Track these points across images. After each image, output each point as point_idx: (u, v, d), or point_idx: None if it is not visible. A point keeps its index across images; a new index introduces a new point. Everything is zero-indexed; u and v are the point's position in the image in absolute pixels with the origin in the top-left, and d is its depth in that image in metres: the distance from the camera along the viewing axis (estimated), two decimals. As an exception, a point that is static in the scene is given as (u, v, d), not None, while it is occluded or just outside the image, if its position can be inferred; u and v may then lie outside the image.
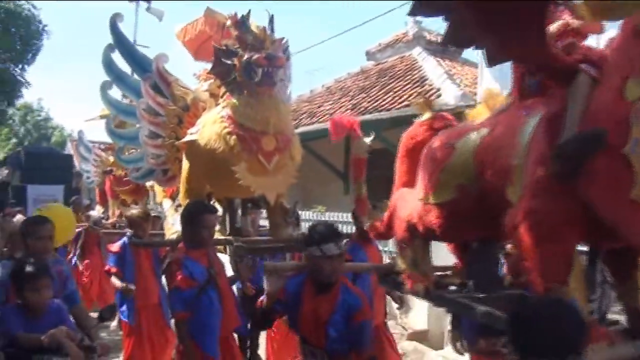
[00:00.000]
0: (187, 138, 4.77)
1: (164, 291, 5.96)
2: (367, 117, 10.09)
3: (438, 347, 8.05)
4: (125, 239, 6.00)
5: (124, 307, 5.86)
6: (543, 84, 2.76)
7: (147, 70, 5.13)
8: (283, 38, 4.46)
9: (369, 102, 11.44)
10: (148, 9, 22.25)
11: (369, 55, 15.25)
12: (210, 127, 4.55)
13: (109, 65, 5.23)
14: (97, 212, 11.12)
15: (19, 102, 26.96)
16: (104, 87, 5.36)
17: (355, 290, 3.72)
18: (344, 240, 3.65)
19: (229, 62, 4.34)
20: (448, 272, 3.80)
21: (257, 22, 4.50)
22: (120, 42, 5.17)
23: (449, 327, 7.84)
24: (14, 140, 38.54)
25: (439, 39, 14.07)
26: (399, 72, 12.64)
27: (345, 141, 12.74)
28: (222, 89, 4.67)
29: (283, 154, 4.48)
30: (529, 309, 2.03)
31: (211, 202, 5.19)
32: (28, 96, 39.03)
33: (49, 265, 3.88)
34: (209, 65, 5.86)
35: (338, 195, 11.74)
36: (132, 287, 5.69)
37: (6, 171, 27.16)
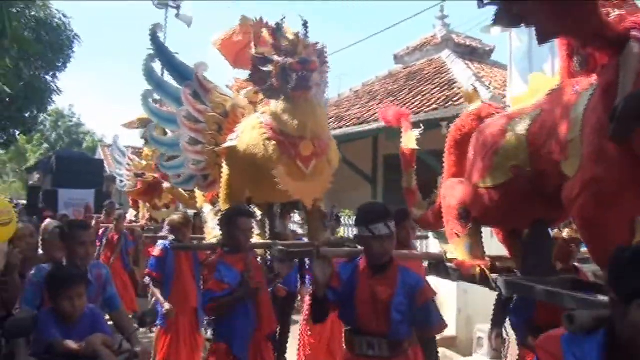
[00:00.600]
0: (227, 144, 4.84)
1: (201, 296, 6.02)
2: (396, 120, 10.03)
3: (467, 353, 7.98)
4: (166, 242, 6.10)
5: (159, 310, 5.91)
6: (591, 59, 2.77)
7: (187, 79, 5.20)
8: (317, 42, 4.47)
9: (397, 105, 11.38)
10: (177, 16, 22.50)
11: (397, 58, 15.21)
12: (249, 133, 4.61)
13: (150, 75, 5.30)
14: (129, 215, 11.38)
15: (51, 108, 27.33)
16: (146, 96, 5.43)
17: (413, 270, 3.62)
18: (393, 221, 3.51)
19: (265, 69, 4.38)
20: (503, 256, 3.76)
21: (291, 27, 4.55)
22: (161, 52, 5.26)
23: (478, 334, 7.82)
24: (45, 145, 39.16)
25: (467, 42, 14.03)
26: (427, 75, 12.58)
27: (373, 144, 12.76)
28: (260, 96, 4.75)
29: (320, 158, 4.50)
30: (630, 251, 1.95)
31: (251, 207, 5.24)
32: (59, 102, 39.66)
33: (85, 272, 3.90)
34: (242, 75, 5.94)
35: (366, 199, 11.71)
36: (171, 310, 5.79)
37: (37, 176, 27.60)
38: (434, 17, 14.59)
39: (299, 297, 7.63)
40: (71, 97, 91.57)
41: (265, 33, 4.68)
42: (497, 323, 4.76)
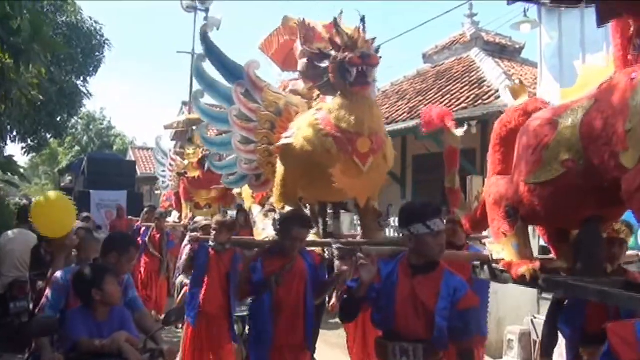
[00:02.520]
0: (283, 142, 4.79)
1: (233, 303, 6.05)
2: (425, 120, 9.95)
3: (497, 355, 7.91)
4: (205, 243, 6.15)
5: (191, 308, 5.99)
6: None
7: (237, 77, 5.17)
8: (374, 38, 4.44)
9: (426, 105, 11.31)
10: (206, 19, 22.61)
11: (426, 57, 15.15)
12: (305, 130, 4.56)
13: (200, 75, 5.27)
14: (173, 217, 11.49)
15: (82, 112, 27.66)
16: (196, 96, 5.46)
17: (457, 273, 3.52)
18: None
19: (322, 65, 4.37)
20: (550, 257, 3.68)
21: (344, 23, 4.55)
22: (211, 51, 5.19)
23: (509, 336, 7.73)
24: (77, 148, 39.65)
25: (497, 39, 13.90)
26: (456, 74, 12.50)
27: (402, 144, 12.69)
28: (316, 92, 4.73)
29: (377, 155, 4.44)
30: None
31: (304, 208, 5.23)
32: (90, 106, 40.18)
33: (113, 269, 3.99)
34: (289, 76, 5.93)
35: (395, 200, 11.65)
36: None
37: (69, 178, 28.00)
38: (463, 16, 14.54)
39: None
40: (102, 101, 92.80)
41: (321, 28, 4.65)
42: (548, 349, 4.51)
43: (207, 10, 23.03)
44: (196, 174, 10.21)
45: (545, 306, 7.76)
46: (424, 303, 3.28)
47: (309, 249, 4.64)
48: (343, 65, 4.20)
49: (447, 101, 10.97)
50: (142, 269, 10.42)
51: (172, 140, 13.65)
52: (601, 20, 2.31)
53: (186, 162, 10.72)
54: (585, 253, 3.22)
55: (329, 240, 4.82)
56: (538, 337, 7.37)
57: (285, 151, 4.80)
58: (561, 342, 4.50)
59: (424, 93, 12.41)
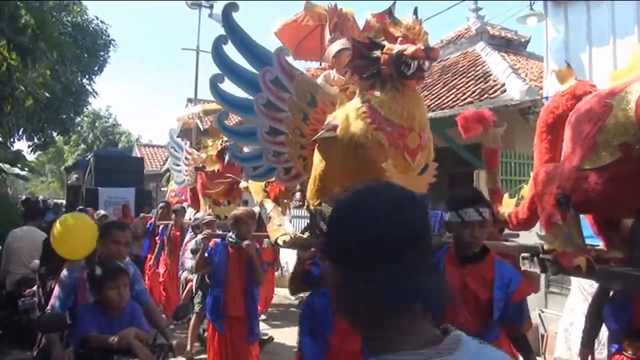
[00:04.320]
0: (325, 134, 4.47)
1: (254, 303, 5.91)
2: (430, 115, 9.92)
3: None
4: (218, 240, 6.00)
5: (215, 314, 5.85)
6: None
7: (265, 63, 4.79)
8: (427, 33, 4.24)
9: (431, 99, 11.29)
10: (210, 15, 22.63)
11: (431, 52, 15.08)
12: (353, 123, 4.24)
13: (221, 58, 4.82)
14: (188, 214, 10.83)
15: (88, 110, 27.77)
16: (215, 81, 4.90)
17: (508, 262, 3.37)
18: (488, 208, 3.29)
19: (372, 55, 4.15)
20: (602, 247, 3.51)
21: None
22: (235, 33, 4.78)
23: (556, 329, 7.67)
24: (82, 146, 39.80)
25: (502, 33, 13.86)
26: (462, 69, 12.46)
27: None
28: (361, 84, 4.36)
29: (424, 151, 4.24)
30: None
31: None
32: (96, 104, 40.27)
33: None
34: (312, 64, 5.69)
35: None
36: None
37: (75, 176, 28.04)
38: (468, 10, 14.47)
39: None
40: (108, 99, 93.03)
41: (370, 18, 4.48)
42: (589, 339, 4.25)
43: (211, 7, 23.03)
44: (215, 167, 9.49)
45: (553, 300, 7.77)
46: (475, 293, 3.16)
47: None
48: (401, 57, 3.95)
49: (452, 95, 10.93)
50: (162, 270, 10.01)
51: (177, 136, 13.28)
52: None
53: (204, 155, 10.13)
54: None
55: None
56: (546, 331, 7.36)
57: (327, 144, 4.50)
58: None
59: (430, 88, 12.37)
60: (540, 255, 3.49)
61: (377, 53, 4.11)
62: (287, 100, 4.82)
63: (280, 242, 5.03)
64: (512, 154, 9.16)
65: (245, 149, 5.67)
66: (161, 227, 10.46)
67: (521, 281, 3.22)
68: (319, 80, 5.16)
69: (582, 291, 6.58)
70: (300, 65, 6.37)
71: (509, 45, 13.41)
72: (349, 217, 1.30)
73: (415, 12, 4.18)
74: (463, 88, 11.09)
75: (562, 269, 3.29)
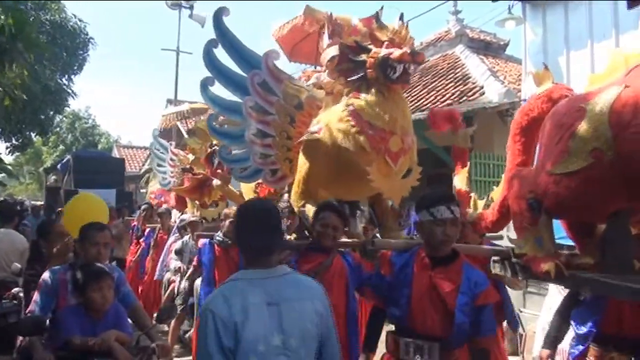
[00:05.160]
0: (309, 137, 4.53)
1: None
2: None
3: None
4: (206, 240, 6.01)
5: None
6: None
7: (254, 67, 4.87)
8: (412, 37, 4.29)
9: (411, 101, 11.35)
10: (190, 16, 22.54)
11: (411, 54, 15.16)
12: (335, 126, 4.30)
13: (211, 61, 4.91)
14: (173, 216, 10.43)
15: (67, 110, 27.53)
16: (205, 84, 5.01)
17: (477, 267, 3.33)
18: (459, 207, 3.28)
19: (358, 58, 4.19)
20: (574, 252, 3.45)
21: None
22: (225, 37, 4.86)
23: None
24: (61, 147, 39.44)
25: (481, 36, 13.98)
26: (441, 71, 12.54)
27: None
28: (347, 87, 4.44)
29: (407, 155, 4.27)
30: None
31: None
32: (75, 104, 39.97)
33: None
34: (304, 67, 5.66)
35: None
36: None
37: (53, 177, 27.75)
38: (448, 12, 14.60)
39: None
40: (86, 99, 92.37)
41: (357, 22, 4.50)
42: (553, 340, 4.22)
43: (191, 7, 22.93)
44: (203, 170, 9.32)
45: (531, 300, 7.84)
46: (443, 297, 3.12)
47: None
48: (387, 61, 4.01)
49: (432, 97, 11.01)
50: (146, 276, 9.75)
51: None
52: (632, 3, 2.20)
53: (190, 156, 9.94)
54: (613, 248, 3.05)
55: (364, 240, 4.70)
56: (524, 331, 7.41)
57: (311, 147, 4.56)
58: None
59: (409, 90, 12.41)
60: (512, 260, 3.46)
61: (364, 57, 4.15)
62: (274, 104, 4.88)
63: None
64: (491, 156, 9.24)
65: (235, 151, 5.69)
66: (147, 230, 10.26)
67: (487, 286, 3.20)
68: (312, 81, 5.21)
69: (560, 291, 6.63)
70: (296, 67, 6.39)
71: (488, 48, 13.53)
72: (239, 217, 2.73)
73: (402, 17, 4.23)
74: (442, 90, 11.17)
75: (532, 273, 3.26)
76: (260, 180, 5.55)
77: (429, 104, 10.55)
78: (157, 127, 13.79)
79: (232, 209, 6.02)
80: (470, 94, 10.25)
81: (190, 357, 6.66)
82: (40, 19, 15.49)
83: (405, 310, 3.18)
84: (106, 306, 3.74)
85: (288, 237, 4.99)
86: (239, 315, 2.22)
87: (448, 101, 10.30)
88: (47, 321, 3.73)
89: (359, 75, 4.20)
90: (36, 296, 3.97)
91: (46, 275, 4.04)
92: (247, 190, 6.16)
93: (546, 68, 3.67)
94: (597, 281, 2.88)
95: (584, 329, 3.83)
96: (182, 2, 23.16)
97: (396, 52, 3.98)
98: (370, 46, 4.16)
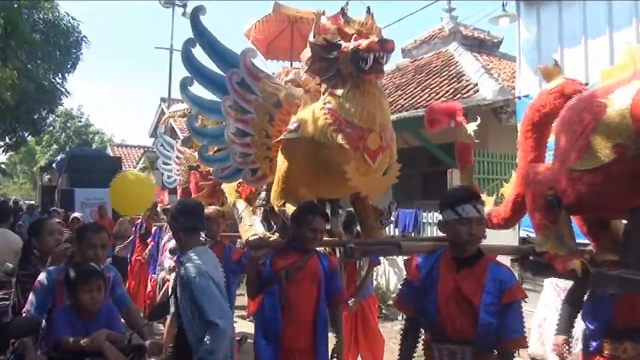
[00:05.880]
0: (287, 136, 4.50)
1: (229, 301, 5.84)
2: (404, 115, 9.99)
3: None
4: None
5: None
6: None
7: (233, 66, 4.80)
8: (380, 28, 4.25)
9: (405, 99, 11.37)
10: (184, 14, 22.51)
11: (405, 52, 15.20)
12: (313, 125, 4.27)
13: (190, 61, 4.86)
14: None
15: (60, 110, 27.45)
16: (185, 84, 4.93)
17: (504, 266, 3.19)
18: (484, 206, 3.16)
19: (330, 56, 4.17)
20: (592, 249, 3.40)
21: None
22: (202, 36, 4.81)
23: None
24: (55, 146, 39.33)
25: (476, 34, 13.99)
26: (435, 69, 12.56)
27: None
28: (323, 86, 4.41)
29: (386, 152, 4.19)
30: None
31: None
32: (69, 104, 39.83)
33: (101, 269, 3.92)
34: (281, 65, 5.62)
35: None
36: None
37: (47, 177, 27.64)
38: (442, 10, 14.59)
39: None
40: (80, 98, 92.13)
41: (325, 20, 4.50)
42: (566, 328, 4.15)
43: (185, 6, 22.90)
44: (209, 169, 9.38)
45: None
46: (469, 299, 3.01)
47: (323, 251, 4.51)
48: (358, 53, 3.97)
49: (426, 95, 11.02)
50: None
51: (151, 137, 12.92)
52: None
53: (197, 154, 9.91)
54: (635, 244, 2.98)
55: (344, 240, 4.67)
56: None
57: (289, 146, 4.54)
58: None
59: (404, 88, 12.44)
60: (532, 258, 3.42)
61: (335, 53, 4.13)
62: (253, 102, 4.83)
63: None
64: (485, 154, 9.25)
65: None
66: (155, 229, 10.22)
67: (513, 284, 3.06)
68: (291, 77, 5.18)
69: (555, 287, 6.66)
70: (274, 65, 6.38)
71: (482, 45, 13.54)
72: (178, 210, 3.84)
73: (369, 10, 4.20)
74: (437, 88, 11.19)
75: (556, 272, 3.22)
76: (240, 181, 5.52)
77: (424, 102, 10.56)
78: (154, 123, 13.66)
79: (212, 208, 6.11)
80: (464, 91, 10.26)
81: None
82: (33, 18, 15.46)
83: (434, 316, 3.10)
84: (95, 307, 3.71)
85: (273, 236, 4.97)
86: (209, 267, 3.58)
87: (442, 99, 10.30)
88: (43, 322, 3.73)
89: (332, 73, 4.19)
90: (32, 297, 3.92)
91: (42, 276, 4.01)
92: (230, 190, 6.11)
93: (556, 63, 3.61)
94: (624, 279, 2.83)
95: (596, 324, 3.73)
96: (176, 1, 23.15)
97: (364, 43, 3.95)
98: (340, 42, 4.14)
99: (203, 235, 5.78)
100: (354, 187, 4.21)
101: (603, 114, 2.79)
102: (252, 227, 5.23)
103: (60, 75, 17.56)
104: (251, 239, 4.93)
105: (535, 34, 8.56)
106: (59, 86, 17.50)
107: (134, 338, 3.89)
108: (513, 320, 2.99)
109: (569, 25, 8.01)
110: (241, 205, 5.71)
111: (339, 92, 4.16)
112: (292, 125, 4.52)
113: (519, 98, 8.58)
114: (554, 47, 8.21)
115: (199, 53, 4.83)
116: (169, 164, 11.11)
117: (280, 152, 4.72)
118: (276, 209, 4.80)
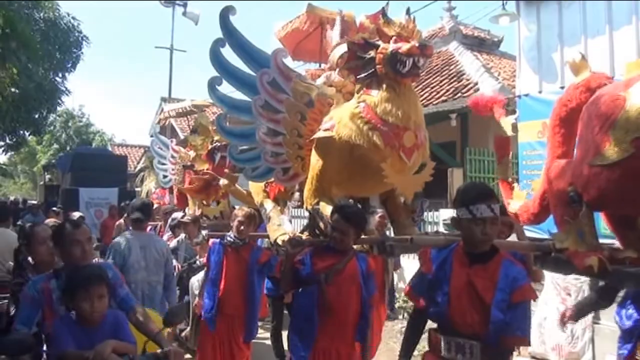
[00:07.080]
0: (322, 134, 4.52)
1: (254, 303, 5.73)
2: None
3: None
4: (217, 240, 5.89)
5: (209, 311, 5.71)
6: None
7: (263, 66, 4.85)
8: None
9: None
10: (184, 14, 22.49)
11: (405, 51, 15.17)
12: (348, 123, 4.27)
13: (219, 60, 4.87)
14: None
15: (60, 109, 27.40)
16: (213, 83, 4.95)
17: (517, 263, 3.15)
18: (498, 204, 3.12)
19: (366, 55, 4.19)
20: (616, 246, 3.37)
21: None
22: (232, 36, 4.81)
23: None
24: (55, 146, 39.28)
25: (475, 33, 14.00)
26: (435, 68, 12.56)
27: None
28: (357, 85, 4.42)
29: (420, 150, 4.23)
30: None
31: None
32: (69, 103, 39.78)
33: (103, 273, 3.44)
34: (310, 66, 5.62)
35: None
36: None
37: (48, 176, 27.51)
38: (442, 9, 14.60)
39: None
40: (80, 98, 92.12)
41: (363, 18, 4.48)
42: (580, 312, 4.16)
43: (185, 5, 22.88)
44: (205, 167, 9.10)
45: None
46: (480, 294, 2.99)
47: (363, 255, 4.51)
48: (396, 56, 4.00)
49: (426, 94, 11.04)
50: None
51: (151, 136, 12.81)
52: None
53: (192, 153, 9.75)
54: None
55: (382, 237, 4.68)
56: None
57: (324, 144, 4.54)
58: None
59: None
60: (552, 254, 3.39)
61: (372, 53, 4.15)
62: (284, 102, 4.87)
63: (279, 241, 5.03)
64: (485, 152, 9.24)
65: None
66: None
67: (524, 282, 3.02)
68: (320, 80, 5.19)
69: (555, 286, 6.67)
70: (299, 66, 6.40)
71: (482, 44, 13.56)
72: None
73: (408, 11, 4.24)
74: (437, 87, 11.20)
75: (574, 268, 3.17)
76: (269, 180, 5.53)
77: (424, 101, 10.56)
78: (154, 122, 13.54)
79: (243, 209, 5.89)
80: (464, 90, 10.27)
81: (188, 356, 6.63)
82: (33, 17, 15.42)
83: (444, 308, 3.08)
84: (96, 317, 3.23)
85: (303, 235, 4.97)
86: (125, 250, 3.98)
87: (443, 98, 10.33)
88: (34, 335, 3.32)
89: (368, 72, 4.20)
90: (18, 310, 3.62)
91: (26, 287, 3.67)
92: (256, 190, 6.08)
93: (583, 57, 3.55)
94: None
95: (629, 323, 3.66)
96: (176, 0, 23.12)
97: (405, 46, 3.98)
98: (379, 42, 4.17)
99: (232, 235, 5.75)
100: (390, 184, 4.22)
101: (622, 107, 2.77)
102: (280, 226, 5.24)
103: (60, 75, 17.54)
104: (280, 238, 4.95)
105: (535, 33, 8.56)
106: (59, 85, 17.48)
107: (148, 347, 3.46)
108: (519, 318, 2.97)
109: (569, 24, 8.00)
110: (269, 204, 5.71)
111: (374, 92, 4.18)
112: (326, 124, 4.55)
113: (519, 97, 8.60)
114: (553, 46, 8.21)
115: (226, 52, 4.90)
116: (164, 163, 11.09)
117: (313, 151, 4.74)
118: (309, 207, 4.79)
